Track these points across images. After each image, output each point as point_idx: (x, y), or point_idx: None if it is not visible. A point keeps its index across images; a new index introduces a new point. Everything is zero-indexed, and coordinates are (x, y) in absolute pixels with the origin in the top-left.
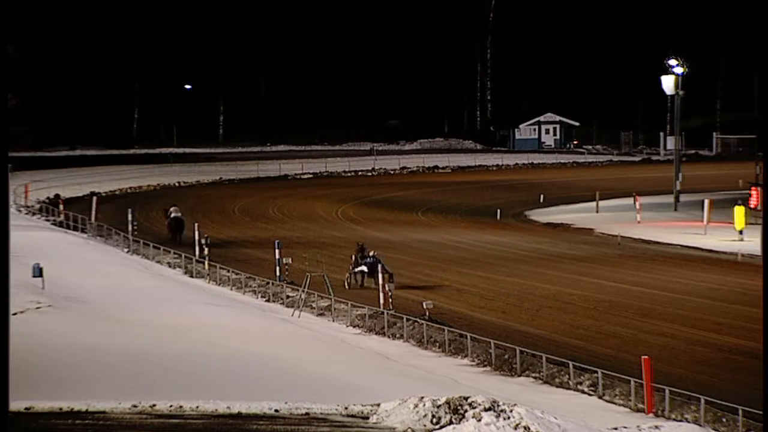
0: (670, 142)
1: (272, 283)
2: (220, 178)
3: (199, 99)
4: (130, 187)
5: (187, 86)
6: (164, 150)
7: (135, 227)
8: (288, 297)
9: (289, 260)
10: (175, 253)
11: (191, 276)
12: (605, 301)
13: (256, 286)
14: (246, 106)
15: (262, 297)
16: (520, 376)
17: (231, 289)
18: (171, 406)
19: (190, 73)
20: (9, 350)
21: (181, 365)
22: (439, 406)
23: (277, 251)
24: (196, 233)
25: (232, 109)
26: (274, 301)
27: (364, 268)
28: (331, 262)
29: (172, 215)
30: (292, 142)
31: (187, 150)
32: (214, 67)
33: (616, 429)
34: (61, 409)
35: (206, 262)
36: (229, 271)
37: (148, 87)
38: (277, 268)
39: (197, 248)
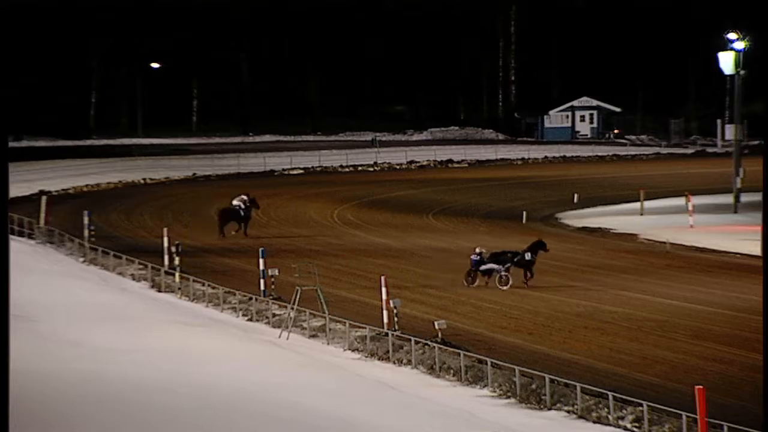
0: (729, 132)
1: (256, 299)
2: (194, 174)
3: (168, 80)
4: (87, 185)
5: (155, 65)
6: (127, 141)
7: (92, 233)
8: (275, 315)
9: (276, 271)
10: (140, 263)
11: (159, 290)
12: (651, 321)
13: (237, 302)
14: (224, 88)
15: (243, 315)
16: (550, 409)
17: (207, 306)
18: None
19: (158, 49)
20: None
21: (148, 397)
22: None
23: (261, 261)
24: (165, 239)
25: (207, 93)
26: (258, 321)
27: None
28: (325, 273)
29: (233, 202)
30: (279, 131)
31: (155, 141)
32: (186, 43)
33: None
34: None
35: (177, 274)
36: (204, 285)
37: (107, 66)
38: (262, 281)
39: (166, 257)
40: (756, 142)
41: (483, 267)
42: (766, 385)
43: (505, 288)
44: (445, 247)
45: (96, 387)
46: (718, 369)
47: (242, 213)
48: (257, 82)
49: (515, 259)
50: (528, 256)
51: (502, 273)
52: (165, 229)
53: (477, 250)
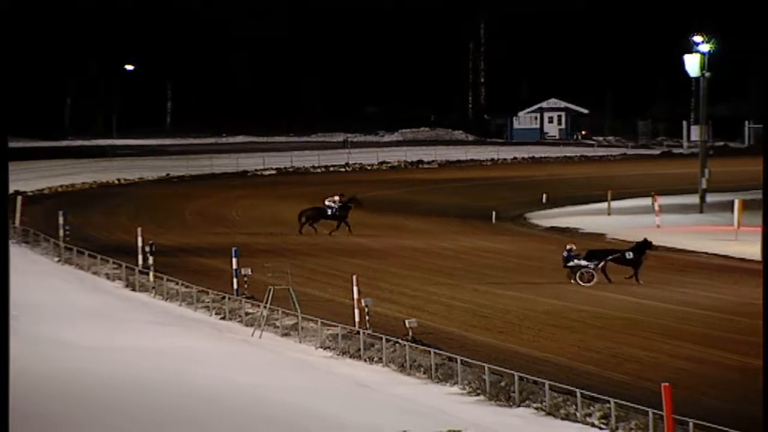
0: (695, 133)
1: (229, 298)
2: (168, 174)
3: (143, 82)
4: (62, 186)
5: (129, 67)
6: (102, 142)
7: (67, 232)
8: (247, 314)
9: (249, 271)
10: (114, 263)
11: (133, 289)
12: (620, 319)
13: (210, 301)
14: (198, 90)
15: (217, 314)
16: (519, 406)
17: (180, 305)
18: None
19: (133, 51)
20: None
21: (121, 396)
22: None
23: (234, 260)
24: (140, 239)
25: (181, 95)
26: (230, 319)
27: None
28: (298, 272)
29: (326, 202)
30: (252, 132)
31: (129, 142)
32: (160, 45)
33: None
34: None
35: (151, 273)
36: (178, 284)
37: (82, 67)
38: (235, 280)
39: (140, 257)
40: (721, 144)
41: (570, 263)
42: (766, 385)
43: (585, 285)
44: (418, 246)
45: (72, 386)
46: (689, 367)
47: (329, 213)
48: (230, 84)
49: (609, 257)
50: (629, 255)
51: (586, 270)
52: (139, 229)
53: (567, 247)
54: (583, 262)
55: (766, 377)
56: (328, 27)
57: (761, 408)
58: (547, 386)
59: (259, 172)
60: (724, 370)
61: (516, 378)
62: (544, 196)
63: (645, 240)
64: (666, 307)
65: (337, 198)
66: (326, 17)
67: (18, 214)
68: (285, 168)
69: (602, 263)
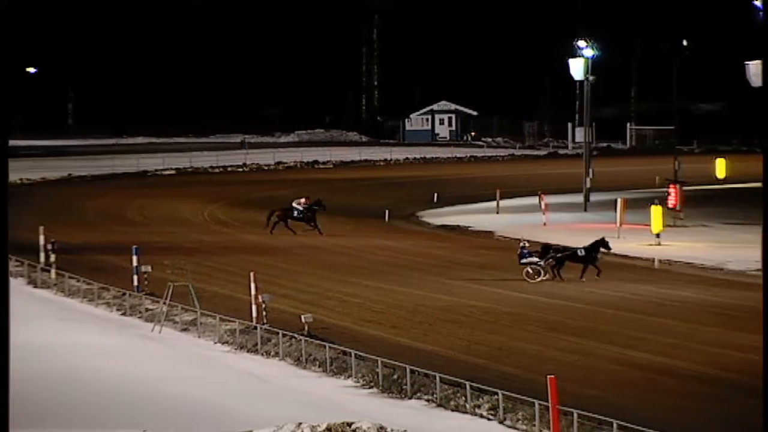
0: (580, 134)
1: (129, 295)
2: (70, 174)
3: (44, 83)
4: None
5: (31, 70)
6: None
7: None
8: (148, 310)
9: (149, 268)
10: (16, 260)
11: (35, 286)
12: (509, 314)
13: (111, 297)
14: (99, 91)
15: (118, 310)
16: (410, 398)
17: (82, 302)
18: None
19: (34, 54)
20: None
21: (20, 390)
22: None
23: (134, 258)
24: (41, 237)
25: (83, 96)
26: (131, 315)
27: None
28: (197, 269)
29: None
30: (151, 133)
31: (31, 142)
32: (61, 47)
33: None
34: None
35: (53, 271)
36: (79, 281)
37: None
38: (135, 277)
39: (42, 254)
40: (604, 145)
41: (523, 260)
42: (766, 385)
43: (530, 281)
44: (314, 244)
45: None
46: (574, 360)
47: (296, 214)
48: (131, 85)
49: (559, 255)
50: (581, 252)
51: (533, 266)
52: (41, 227)
53: (521, 244)
54: (535, 259)
55: (766, 378)
56: (226, 28)
57: (762, 408)
58: (437, 379)
59: (159, 172)
60: (607, 362)
61: (408, 371)
62: (435, 195)
63: (602, 239)
64: (552, 302)
65: (303, 200)
66: (224, 18)
67: None
68: (184, 168)
69: (550, 260)
